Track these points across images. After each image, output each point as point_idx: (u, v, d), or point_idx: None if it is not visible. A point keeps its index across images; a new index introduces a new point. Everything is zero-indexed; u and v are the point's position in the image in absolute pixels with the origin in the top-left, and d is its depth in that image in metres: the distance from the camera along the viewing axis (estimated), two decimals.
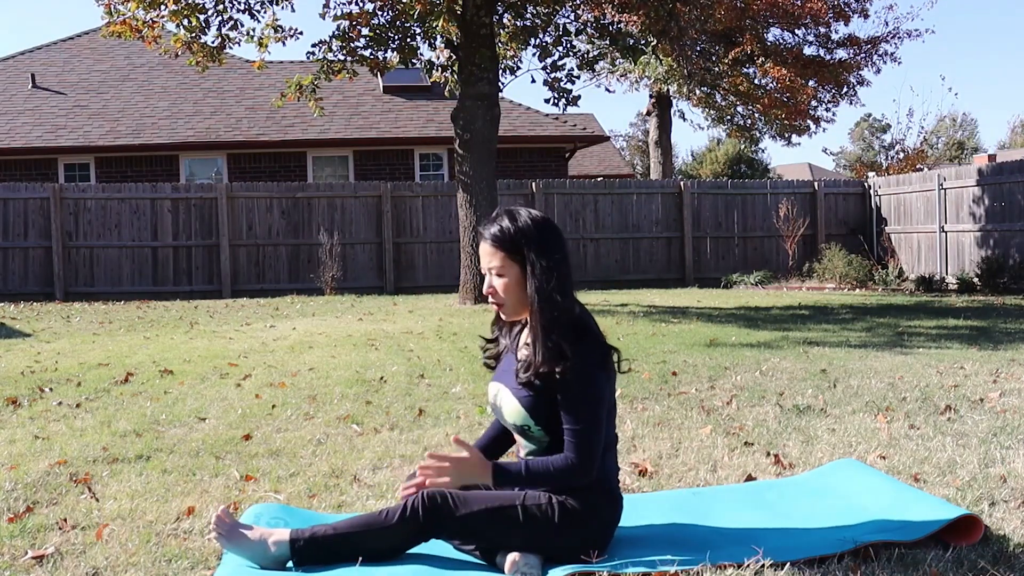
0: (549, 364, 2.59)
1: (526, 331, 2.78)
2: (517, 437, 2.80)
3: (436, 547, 2.77)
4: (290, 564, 2.61)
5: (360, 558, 2.60)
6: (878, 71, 21.95)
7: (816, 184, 18.22)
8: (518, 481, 2.64)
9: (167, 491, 3.44)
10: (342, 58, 12.00)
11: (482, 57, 11.57)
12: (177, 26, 11.52)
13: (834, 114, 34.86)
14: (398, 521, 2.61)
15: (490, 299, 2.75)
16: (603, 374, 2.65)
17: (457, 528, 2.63)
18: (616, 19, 14.28)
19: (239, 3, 11.66)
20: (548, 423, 2.67)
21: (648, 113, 24.93)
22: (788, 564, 2.54)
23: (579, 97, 12.50)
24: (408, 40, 11.85)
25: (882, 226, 17.58)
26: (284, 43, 13.33)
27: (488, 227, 2.73)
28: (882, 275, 15.71)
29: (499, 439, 2.96)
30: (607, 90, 44.12)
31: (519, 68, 13.70)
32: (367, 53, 11.93)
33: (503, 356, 2.88)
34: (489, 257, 2.71)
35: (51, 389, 5.82)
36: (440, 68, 13.12)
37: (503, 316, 2.79)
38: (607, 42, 14.02)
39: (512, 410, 2.71)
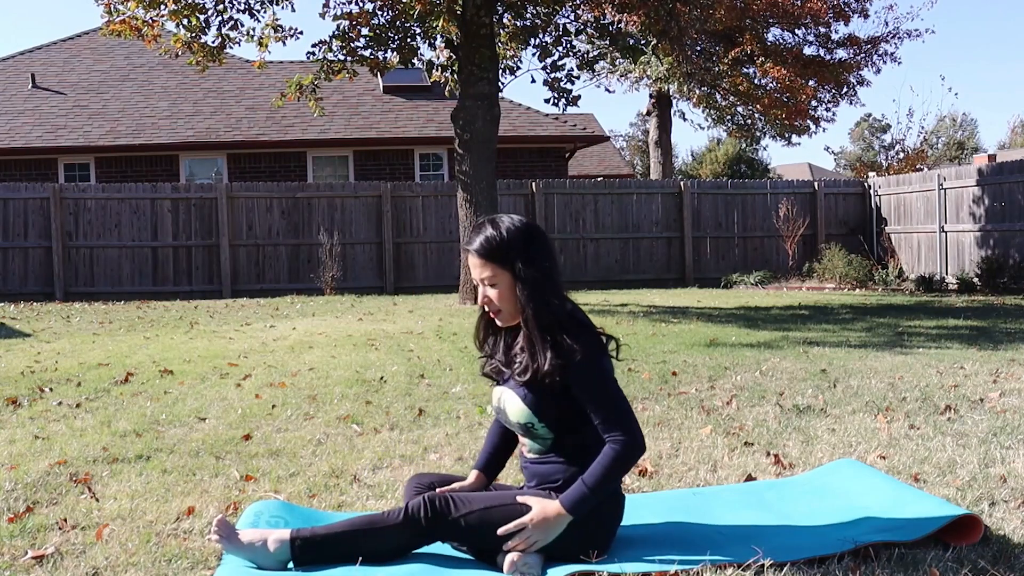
0: (553, 365, 2.60)
1: (521, 335, 2.75)
2: (521, 438, 2.81)
3: (435, 546, 2.76)
4: (290, 564, 2.61)
5: (360, 559, 2.59)
6: (878, 71, 21.94)
7: (816, 184, 18.21)
8: (588, 499, 2.58)
9: (167, 491, 3.44)
10: (342, 58, 11.99)
11: (482, 57, 11.57)
12: (177, 26, 11.52)
13: (834, 114, 34.79)
14: (400, 523, 2.61)
15: (486, 308, 2.74)
16: (605, 357, 2.70)
17: (460, 529, 2.63)
18: (616, 19, 14.28)
19: (239, 3, 11.66)
20: (552, 420, 2.69)
21: (648, 113, 24.92)
22: (788, 564, 2.54)
23: (579, 97, 12.51)
24: (408, 40, 11.84)
25: (882, 226, 17.57)
26: (284, 43, 13.35)
27: (473, 239, 2.71)
28: (882, 275, 15.72)
29: (500, 450, 2.96)
30: (607, 90, 44.18)
31: (519, 68, 13.71)
32: (367, 53, 11.93)
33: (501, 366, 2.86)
34: (479, 269, 2.70)
35: (51, 389, 5.82)
36: (440, 68, 13.12)
37: (500, 323, 2.77)
38: (607, 42, 14.03)
39: (517, 410, 2.72)
